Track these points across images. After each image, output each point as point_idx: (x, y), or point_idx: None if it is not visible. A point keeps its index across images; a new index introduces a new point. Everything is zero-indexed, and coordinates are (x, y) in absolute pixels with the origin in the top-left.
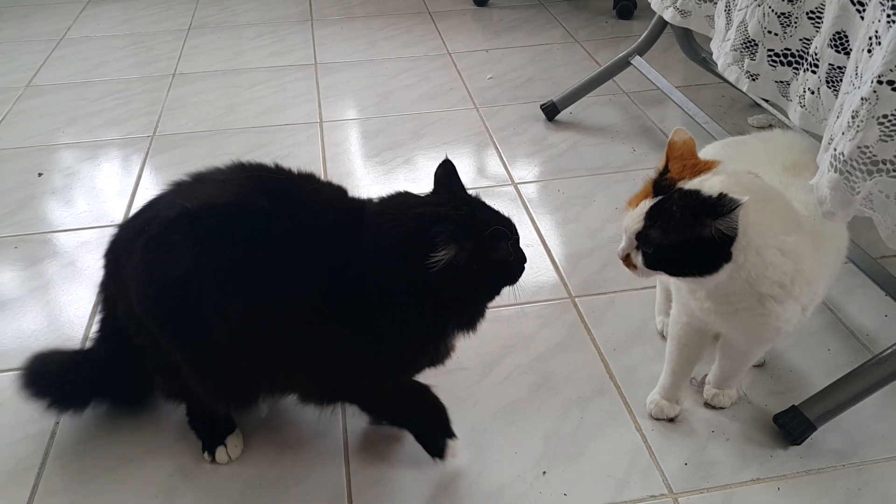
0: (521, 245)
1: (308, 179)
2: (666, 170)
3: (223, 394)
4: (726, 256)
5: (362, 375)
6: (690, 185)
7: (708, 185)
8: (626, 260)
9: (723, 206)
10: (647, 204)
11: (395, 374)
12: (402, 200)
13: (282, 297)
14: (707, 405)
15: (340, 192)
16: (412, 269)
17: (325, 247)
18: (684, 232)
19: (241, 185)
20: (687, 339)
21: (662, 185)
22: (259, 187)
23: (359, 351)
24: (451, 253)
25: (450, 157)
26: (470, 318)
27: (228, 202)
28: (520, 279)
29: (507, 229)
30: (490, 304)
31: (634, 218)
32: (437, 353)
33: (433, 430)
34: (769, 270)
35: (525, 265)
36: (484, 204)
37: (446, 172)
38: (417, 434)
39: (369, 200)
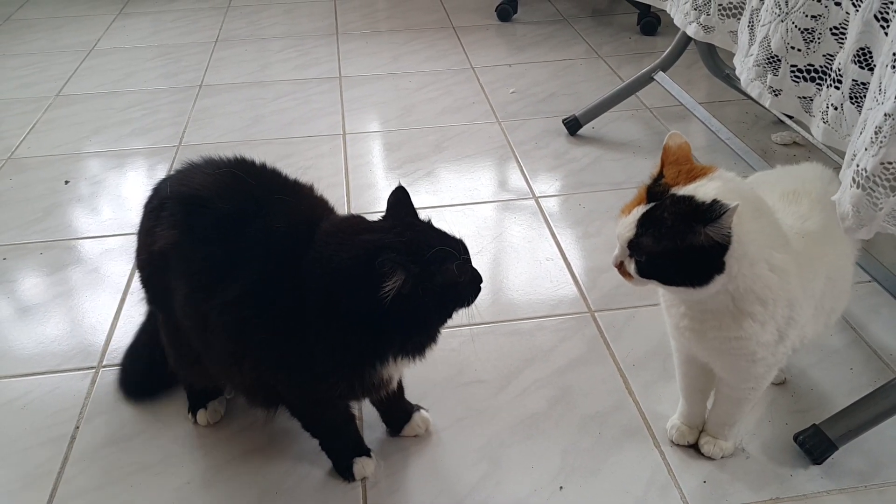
0: (543, 259)
1: (285, 187)
2: (661, 175)
3: (183, 365)
4: (719, 267)
5: (286, 384)
6: (684, 190)
7: (703, 191)
8: (621, 268)
9: (713, 211)
10: (639, 211)
11: (315, 393)
12: (351, 224)
13: (213, 292)
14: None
15: (310, 203)
16: (351, 296)
17: (268, 255)
18: (676, 240)
19: (219, 182)
20: (685, 368)
21: (656, 192)
22: (233, 187)
23: (282, 362)
24: (400, 280)
25: (402, 185)
26: (417, 344)
27: (193, 195)
28: (475, 300)
29: (453, 250)
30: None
31: (626, 226)
32: (369, 383)
33: (342, 450)
34: (756, 284)
35: (480, 285)
36: (432, 228)
37: (398, 199)
38: (327, 452)
39: (329, 218)
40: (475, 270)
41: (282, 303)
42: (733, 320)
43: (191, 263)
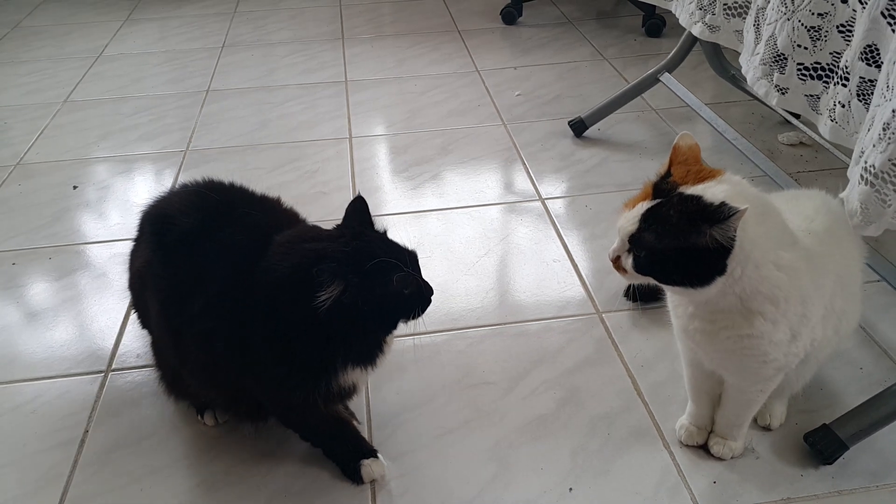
0: (550, 260)
1: (251, 201)
2: (668, 173)
3: (169, 383)
4: (721, 269)
5: (257, 393)
6: (693, 190)
7: (711, 192)
8: (616, 262)
9: (721, 213)
10: (644, 206)
11: (281, 401)
12: (300, 234)
13: (182, 306)
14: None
15: (276, 215)
16: (291, 304)
17: (229, 267)
18: (679, 238)
19: (184, 200)
20: (692, 370)
21: (663, 189)
22: (198, 203)
23: (243, 370)
24: (338, 290)
25: (362, 195)
26: (365, 353)
27: (161, 214)
28: (423, 313)
29: (398, 262)
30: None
31: (630, 219)
32: (328, 390)
33: (345, 454)
34: (763, 285)
35: (431, 297)
36: (382, 238)
37: (355, 209)
38: (332, 458)
39: (288, 229)
40: (425, 283)
41: (238, 312)
42: (744, 319)
43: (160, 279)
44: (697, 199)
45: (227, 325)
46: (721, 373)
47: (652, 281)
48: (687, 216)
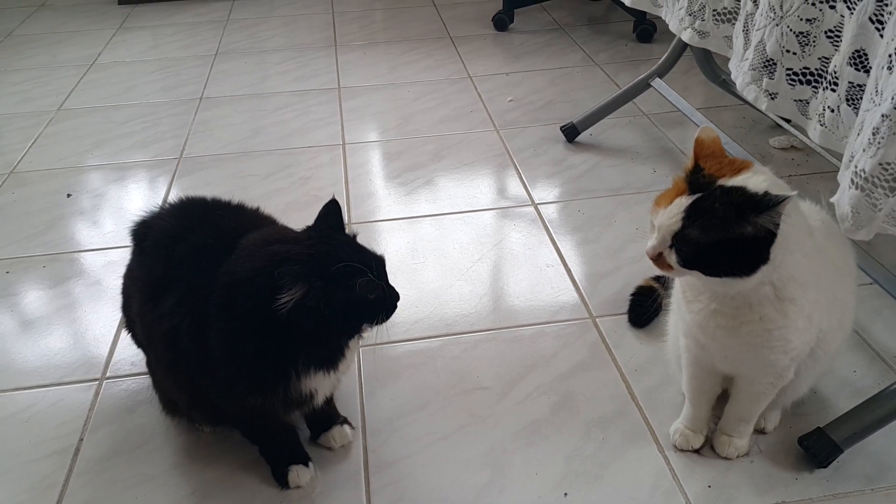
0: (543, 265)
1: (227, 208)
2: (698, 167)
3: (165, 399)
4: (765, 258)
5: (214, 395)
6: (734, 182)
7: (753, 182)
8: (658, 260)
9: (770, 200)
10: (684, 201)
11: (229, 403)
12: (266, 236)
13: (150, 305)
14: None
15: (250, 218)
16: (252, 306)
17: (196, 266)
18: (727, 229)
19: (165, 209)
20: (693, 369)
21: (701, 183)
22: (177, 211)
23: (202, 371)
24: (300, 293)
25: (336, 198)
26: (326, 357)
27: (142, 223)
28: (388, 318)
29: (364, 267)
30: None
31: (671, 216)
32: (286, 396)
33: (277, 457)
34: (796, 270)
35: (396, 302)
36: (350, 243)
37: (327, 212)
38: (265, 458)
39: (257, 230)
40: (391, 289)
41: (202, 312)
42: (775, 309)
43: (138, 281)
44: (742, 190)
45: (189, 324)
46: (734, 370)
47: (698, 274)
48: (734, 207)
